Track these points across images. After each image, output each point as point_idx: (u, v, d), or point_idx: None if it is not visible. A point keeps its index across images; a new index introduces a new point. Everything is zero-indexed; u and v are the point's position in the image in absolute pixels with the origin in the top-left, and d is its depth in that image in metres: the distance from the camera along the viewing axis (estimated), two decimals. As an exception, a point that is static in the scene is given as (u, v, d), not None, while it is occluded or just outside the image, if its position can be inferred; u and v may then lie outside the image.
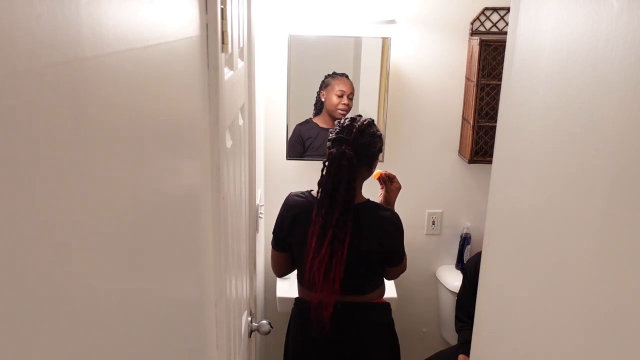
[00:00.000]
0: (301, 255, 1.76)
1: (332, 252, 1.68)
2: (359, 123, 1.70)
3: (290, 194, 1.80)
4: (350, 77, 2.26)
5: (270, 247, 1.88)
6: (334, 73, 2.24)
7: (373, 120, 1.76)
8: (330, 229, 1.67)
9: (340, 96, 2.24)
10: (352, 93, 2.26)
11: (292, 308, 1.93)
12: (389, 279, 1.94)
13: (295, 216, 1.75)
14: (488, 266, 1.05)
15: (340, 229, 1.67)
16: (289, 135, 2.30)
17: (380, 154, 1.84)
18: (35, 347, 0.31)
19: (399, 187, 1.93)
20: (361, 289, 1.81)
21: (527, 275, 0.83)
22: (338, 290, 1.70)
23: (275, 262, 1.89)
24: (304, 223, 1.72)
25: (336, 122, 1.76)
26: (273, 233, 1.84)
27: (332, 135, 1.71)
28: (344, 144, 1.67)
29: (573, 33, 0.68)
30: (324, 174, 1.70)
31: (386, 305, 1.89)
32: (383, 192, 1.93)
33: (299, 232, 1.74)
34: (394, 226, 1.77)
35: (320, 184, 1.70)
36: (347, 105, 2.25)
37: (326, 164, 1.68)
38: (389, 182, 1.93)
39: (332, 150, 1.68)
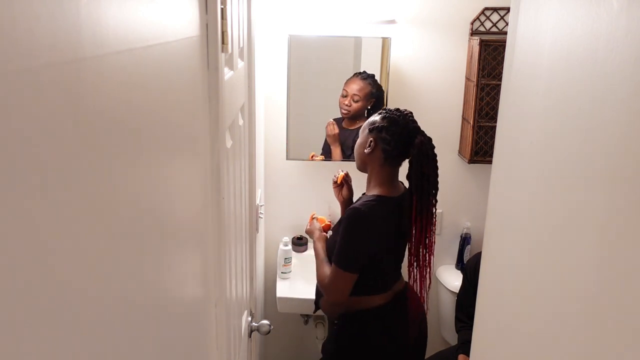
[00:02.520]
0: (391, 257, 1.78)
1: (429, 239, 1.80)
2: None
3: (356, 209, 1.67)
4: (349, 78, 2.25)
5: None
6: (356, 73, 2.25)
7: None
8: (427, 224, 1.75)
9: (345, 96, 2.25)
10: (359, 96, 2.23)
11: (357, 327, 1.78)
12: None
13: (379, 225, 1.70)
14: (488, 266, 1.04)
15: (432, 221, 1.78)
16: (289, 135, 2.30)
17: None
18: (36, 347, 0.31)
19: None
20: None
21: (527, 276, 0.83)
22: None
23: (347, 286, 1.71)
24: (388, 223, 1.72)
25: (388, 111, 1.74)
26: (343, 258, 1.68)
27: (390, 123, 1.69)
28: (417, 130, 1.71)
29: (573, 33, 0.68)
30: (413, 167, 1.70)
31: None
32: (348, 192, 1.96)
33: (388, 236, 1.73)
34: None
35: (415, 174, 1.70)
36: (350, 105, 2.25)
37: (414, 154, 1.69)
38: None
39: (422, 138, 1.69)
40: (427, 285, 1.89)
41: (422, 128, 2.39)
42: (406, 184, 1.79)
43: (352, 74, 2.25)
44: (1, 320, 0.27)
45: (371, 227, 1.68)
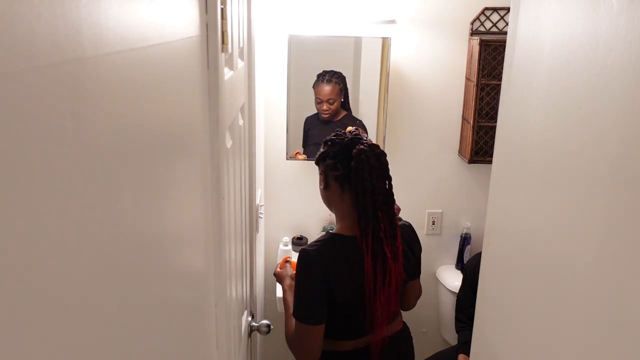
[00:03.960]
0: (355, 303, 1.47)
1: (390, 278, 1.45)
2: (348, 132, 1.52)
3: (305, 250, 1.46)
4: (350, 77, 2.26)
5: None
6: (322, 75, 2.25)
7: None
8: (381, 250, 1.44)
9: (320, 102, 2.27)
10: (333, 98, 2.26)
11: None
12: (409, 302, 1.67)
13: (330, 266, 1.44)
14: (488, 266, 1.05)
15: (393, 246, 1.45)
16: (289, 135, 2.31)
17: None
18: (35, 347, 0.31)
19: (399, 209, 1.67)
20: (397, 314, 1.60)
21: (527, 276, 0.83)
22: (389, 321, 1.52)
23: (315, 341, 1.45)
24: (344, 266, 1.45)
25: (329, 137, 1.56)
26: (307, 307, 1.45)
27: (331, 144, 1.50)
28: (362, 145, 1.45)
29: (573, 33, 0.68)
30: (353, 181, 1.44)
31: (406, 329, 1.68)
32: None
33: (344, 280, 1.45)
34: (414, 231, 1.64)
35: (355, 189, 1.44)
36: (328, 109, 2.27)
37: (353, 166, 1.44)
38: None
39: (360, 147, 1.44)
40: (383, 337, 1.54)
41: (422, 128, 2.41)
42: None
43: (317, 78, 2.26)
44: (3, 319, 0.27)
45: (321, 269, 1.42)
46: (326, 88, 2.26)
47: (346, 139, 1.49)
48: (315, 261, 1.43)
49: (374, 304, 1.47)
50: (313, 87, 2.27)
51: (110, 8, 0.41)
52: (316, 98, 2.27)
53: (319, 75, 2.25)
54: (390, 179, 1.49)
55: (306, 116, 2.31)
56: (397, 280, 1.49)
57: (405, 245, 1.56)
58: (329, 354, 1.52)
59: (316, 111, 2.30)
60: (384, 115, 2.27)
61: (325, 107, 2.27)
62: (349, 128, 1.61)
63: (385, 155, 1.49)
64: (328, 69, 2.25)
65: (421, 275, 1.70)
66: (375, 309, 1.47)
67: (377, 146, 1.49)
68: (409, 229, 1.62)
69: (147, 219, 0.54)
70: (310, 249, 1.45)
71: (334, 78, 2.26)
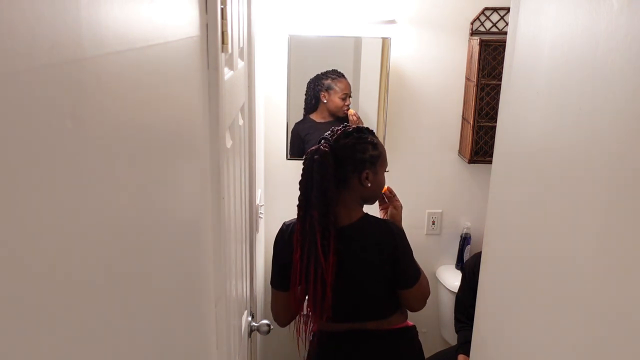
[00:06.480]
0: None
1: (316, 270, 1.50)
2: (347, 126, 1.58)
3: (284, 223, 1.66)
4: (350, 77, 2.27)
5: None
6: (333, 73, 2.24)
7: (368, 128, 1.61)
8: (307, 240, 1.50)
9: (344, 98, 2.25)
10: (351, 90, 2.27)
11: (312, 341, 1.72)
12: (410, 307, 1.66)
13: (288, 243, 1.59)
14: (488, 266, 1.05)
15: (323, 237, 1.48)
16: (289, 135, 2.30)
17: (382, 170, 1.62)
18: (34, 347, 0.31)
19: (401, 206, 1.71)
20: (377, 314, 1.62)
21: (527, 275, 0.83)
22: (328, 317, 1.55)
23: (277, 304, 1.64)
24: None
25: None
26: (272, 272, 1.64)
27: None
28: (322, 141, 1.55)
29: (573, 33, 0.68)
30: (307, 171, 1.53)
31: (408, 330, 1.68)
32: (390, 210, 1.69)
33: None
34: (392, 235, 1.55)
35: (299, 188, 1.56)
36: (349, 105, 2.27)
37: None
38: (392, 200, 1.72)
39: (311, 149, 1.55)
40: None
41: (422, 128, 2.41)
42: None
43: (343, 73, 2.24)
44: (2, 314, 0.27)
45: (281, 242, 1.61)
46: (346, 82, 2.25)
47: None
48: (281, 233, 1.63)
49: (310, 288, 1.53)
50: (329, 87, 2.23)
51: (111, 8, 0.41)
52: (342, 95, 2.24)
53: (333, 73, 2.22)
54: (324, 186, 1.50)
55: (294, 123, 2.26)
56: (330, 277, 1.50)
57: (370, 251, 1.55)
58: (323, 333, 1.64)
59: (302, 117, 2.26)
60: (384, 115, 2.27)
61: (348, 102, 2.26)
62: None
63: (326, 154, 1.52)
64: (328, 69, 2.25)
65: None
66: (314, 293, 1.53)
67: (328, 147, 1.52)
68: (390, 236, 1.56)
69: (147, 219, 0.54)
70: (286, 221, 1.64)
71: (344, 77, 2.26)
